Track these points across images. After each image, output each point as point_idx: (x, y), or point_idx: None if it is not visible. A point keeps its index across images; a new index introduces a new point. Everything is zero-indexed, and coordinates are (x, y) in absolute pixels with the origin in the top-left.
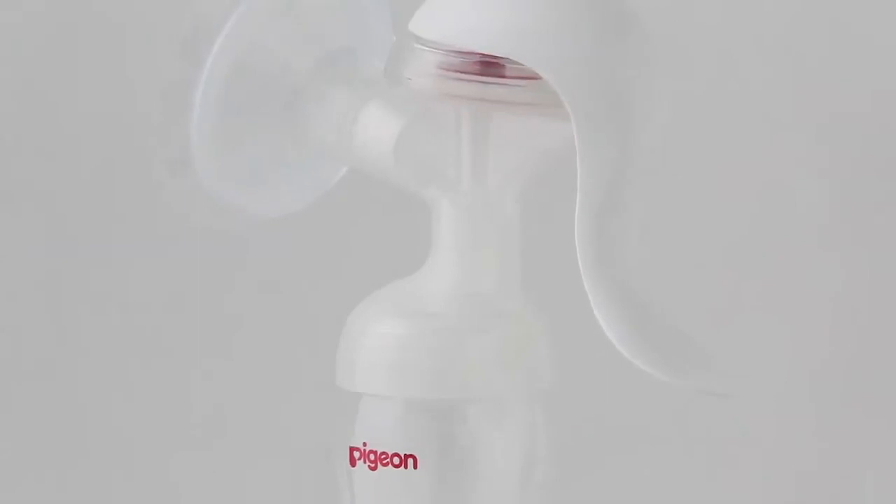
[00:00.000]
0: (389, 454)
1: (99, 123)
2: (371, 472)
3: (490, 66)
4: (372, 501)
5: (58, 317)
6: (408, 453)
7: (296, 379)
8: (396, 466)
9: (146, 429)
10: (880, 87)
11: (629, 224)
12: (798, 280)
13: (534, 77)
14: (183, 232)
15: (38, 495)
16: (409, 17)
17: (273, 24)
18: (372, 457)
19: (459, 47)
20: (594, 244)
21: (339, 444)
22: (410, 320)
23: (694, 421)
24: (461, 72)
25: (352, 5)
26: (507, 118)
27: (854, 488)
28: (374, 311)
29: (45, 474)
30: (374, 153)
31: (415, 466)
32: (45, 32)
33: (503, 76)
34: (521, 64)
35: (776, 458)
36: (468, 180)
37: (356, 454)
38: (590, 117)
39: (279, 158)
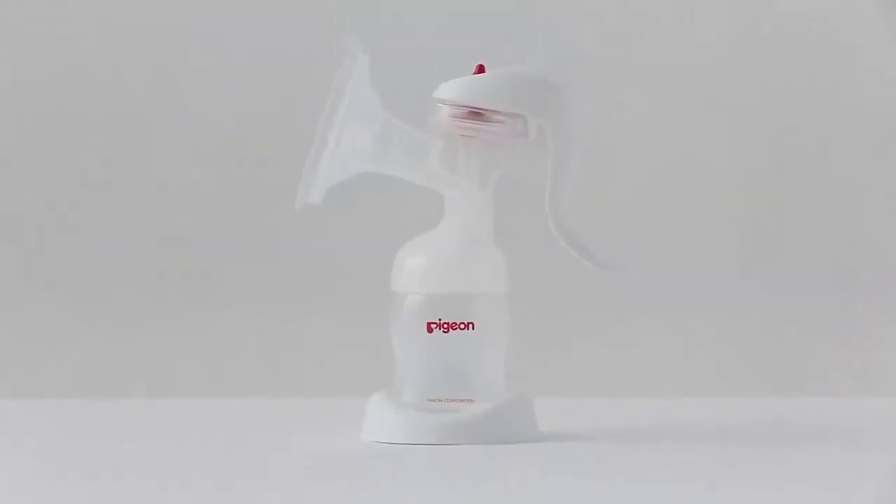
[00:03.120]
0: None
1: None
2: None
3: (478, 115)
4: (436, 352)
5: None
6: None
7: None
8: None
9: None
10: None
11: (568, 193)
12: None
13: (501, 122)
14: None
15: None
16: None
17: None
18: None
19: (461, 103)
20: (553, 201)
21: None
22: (430, 252)
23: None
24: (462, 118)
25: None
26: (486, 143)
27: None
28: (410, 248)
29: None
30: (416, 164)
31: (429, 330)
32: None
33: (485, 121)
34: (497, 112)
35: None
36: (465, 177)
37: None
38: (556, 136)
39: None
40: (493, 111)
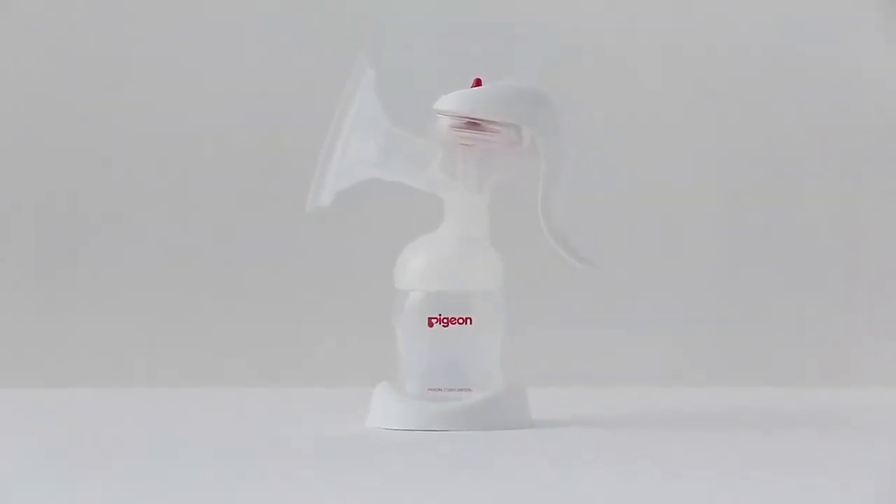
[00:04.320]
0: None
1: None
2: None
3: (475, 125)
4: (436, 345)
5: None
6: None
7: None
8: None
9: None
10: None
11: (559, 197)
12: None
13: (497, 132)
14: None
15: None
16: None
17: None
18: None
19: (460, 114)
20: (545, 205)
21: (405, 318)
22: (431, 252)
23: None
24: (461, 128)
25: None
26: (483, 151)
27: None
28: (413, 248)
29: None
30: (418, 170)
31: (430, 325)
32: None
33: (482, 130)
34: (493, 122)
35: None
36: (463, 183)
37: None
38: (548, 145)
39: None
40: (490, 121)
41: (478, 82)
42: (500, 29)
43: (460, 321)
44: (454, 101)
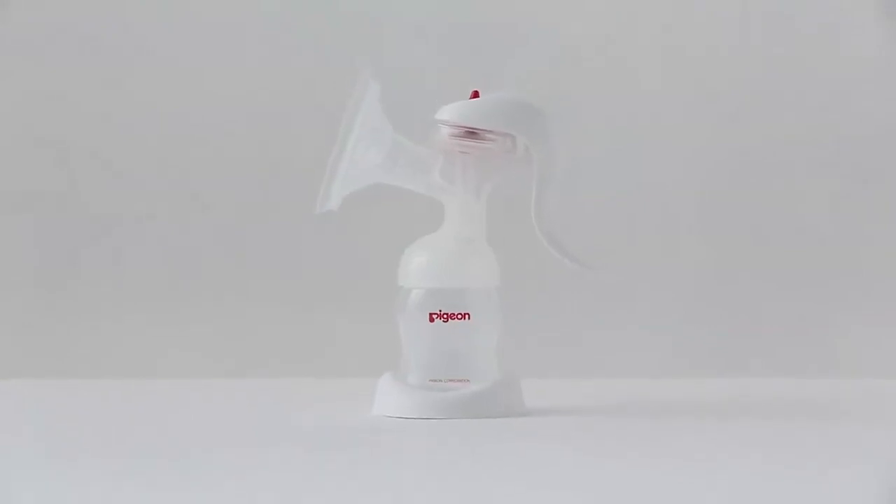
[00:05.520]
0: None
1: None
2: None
3: (473, 134)
4: (436, 339)
5: None
6: (431, 312)
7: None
8: (432, 320)
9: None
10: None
11: (550, 200)
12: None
13: (493, 140)
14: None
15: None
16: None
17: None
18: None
19: (459, 124)
20: (537, 208)
21: (409, 312)
22: (432, 252)
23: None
24: (459, 136)
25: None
26: (480, 158)
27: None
28: (415, 248)
29: None
30: (420, 176)
31: (431, 320)
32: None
33: (480, 138)
34: (489, 131)
35: None
36: (462, 188)
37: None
38: (540, 152)
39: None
40: (487, 131)
41: (475, 94)
42: (500, 29)
43: (459, 316)
44: (454, 111)
